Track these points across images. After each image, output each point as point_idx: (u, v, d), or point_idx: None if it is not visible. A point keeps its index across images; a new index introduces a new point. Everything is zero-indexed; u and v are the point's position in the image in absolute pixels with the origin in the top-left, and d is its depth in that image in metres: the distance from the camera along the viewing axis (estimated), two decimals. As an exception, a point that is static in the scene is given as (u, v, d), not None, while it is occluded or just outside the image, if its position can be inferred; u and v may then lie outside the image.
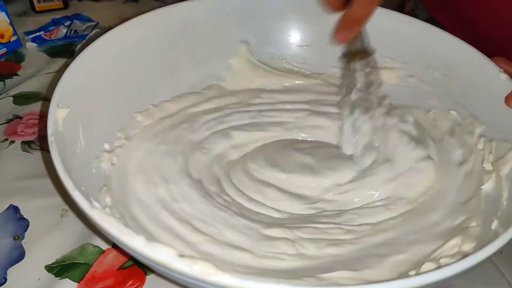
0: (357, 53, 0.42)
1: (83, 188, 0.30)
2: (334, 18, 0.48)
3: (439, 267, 0.26)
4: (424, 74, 0.46)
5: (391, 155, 0.41)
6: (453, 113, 0.44)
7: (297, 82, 0.51)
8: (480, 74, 0.42)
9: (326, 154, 0.43)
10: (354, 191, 0.40)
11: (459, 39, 0.43)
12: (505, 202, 0.34)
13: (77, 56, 0.38)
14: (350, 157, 0.42)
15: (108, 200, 0.34)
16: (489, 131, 0.40)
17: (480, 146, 0.40)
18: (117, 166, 0.38)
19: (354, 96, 0.42)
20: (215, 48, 0.49)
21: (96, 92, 0.39)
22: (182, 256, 0.24)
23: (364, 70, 0.42)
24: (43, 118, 0.49)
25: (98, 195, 0.34)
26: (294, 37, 0.51)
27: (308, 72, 0.52)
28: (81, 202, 0.26)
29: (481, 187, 0.37)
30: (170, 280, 0.33)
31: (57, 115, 0.33)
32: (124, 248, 0.26)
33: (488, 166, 0.38)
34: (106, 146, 0.39)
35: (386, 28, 0.48)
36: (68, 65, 0.37)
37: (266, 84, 0.51)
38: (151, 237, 0.34)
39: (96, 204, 0.31)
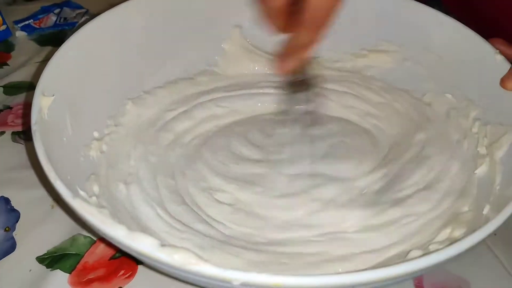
0: (300, 83, 0.39)
1: (69, 177, 0.30)
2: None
3: (426, 253, 0.25)
4: (420, 57, 0.45)
5: None
6: (449, 96, 0.43)
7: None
8: (476, 56, 0.41)
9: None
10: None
11: (455, 20, 0.42)
12: (497, 187, 0.33)
13: (64, 42, 0.37)
14: None
15: (96, 188, 0.34)
16: (484, 114, 0.39)
17: (475, 130, 0.39)
18: (107, 154, 0.38)
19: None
20: (207, 32, 0.48)
21: (85, 79, 0.38)
22: (163, 245, 0.24)
23: (307, 101, 0.40)
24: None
25: (85, 184, 0.34)
26: (288, 20, 0.50)
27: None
28: (63, 192, 0.26)
29: (475, 172, 0.37)
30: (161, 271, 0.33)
31: (42, 103, 0.32)
32: (107, 238, 0.25)
33: (482, 150, 0.37)
34: (96, 134, 0.38)
35: (381, 10, 0.47)
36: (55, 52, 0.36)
37: (260, 69, 0.50)
38: (139, 225, 0.34)
39: (82, 193, 0.31)
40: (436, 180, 0.38)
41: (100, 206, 0.32)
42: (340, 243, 0.34)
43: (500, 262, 0.36)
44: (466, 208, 0.34)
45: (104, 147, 0.38)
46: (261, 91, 0.48)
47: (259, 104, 0.47)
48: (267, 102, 0.47)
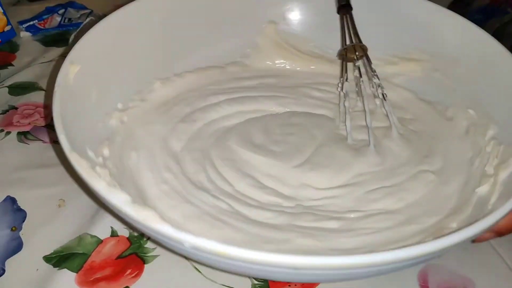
0: (352, 50, 0.45)
1: (80, 137, 0.33)
2: (365, 4, 0.47)
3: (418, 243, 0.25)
4: (449, 69, 0.44)
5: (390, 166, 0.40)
6: (471, 112, 0.41)
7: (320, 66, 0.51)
8: (504, 72, 0.39)
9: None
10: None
11: (486, 33, 0.41)
12: (489, 207, 0.32)
13: (103, 19, 0.40)
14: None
15: (106, 151, 0.37)
16: (500, 133, 0.37)
17: (489, 149, 0.38)
18: (127, 124, 0.41)
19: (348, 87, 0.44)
20: (243, 24, 0.50)
21: (116, 55, 0.41)
22: (134, 203, 0.27)
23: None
24: (38, 108, 0.48)
25: (98, 147, 0.36)
26: (323, 20, 0.51)
27: (333, 58, 0.51)
28: (64, 144, 0.29)
29: (476, 190, 0.35)
30: (169, 269, 0.34)
31: (69, 69, 0.35)
32: (90, 189, 0.28)
33: (489, 170, 0.36)
34: (119, 105, 0.41)
35: (417, 18, 0.46)
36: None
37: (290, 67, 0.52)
38: (139, 190, 0.37)
39: (90, 152, 0.34)
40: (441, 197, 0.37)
41: (103, 166, 0.35)
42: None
43: (505, 262, 0.35)
44: (454, 225, 0.33)
45: (125, 118, 0.41)
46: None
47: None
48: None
